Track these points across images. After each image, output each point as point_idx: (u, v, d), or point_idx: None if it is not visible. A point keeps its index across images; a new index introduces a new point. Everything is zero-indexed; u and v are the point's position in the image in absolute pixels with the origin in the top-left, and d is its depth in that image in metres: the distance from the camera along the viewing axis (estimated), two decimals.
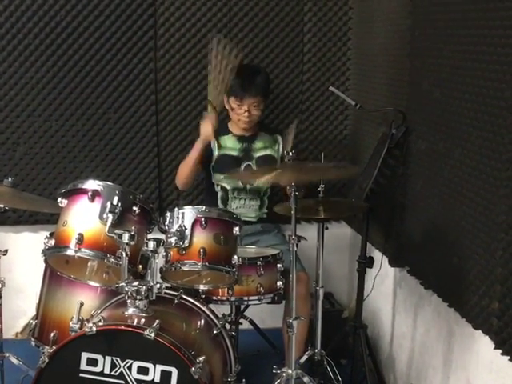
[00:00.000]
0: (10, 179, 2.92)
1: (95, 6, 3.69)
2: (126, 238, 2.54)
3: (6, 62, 3.69)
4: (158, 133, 3.90)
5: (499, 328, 2.33)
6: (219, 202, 3.59)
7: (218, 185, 3.60)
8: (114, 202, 2.66)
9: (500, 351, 2.32)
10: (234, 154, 3.58)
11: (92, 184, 2.73)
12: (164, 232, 2.84)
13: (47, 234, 2.86)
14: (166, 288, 2.69)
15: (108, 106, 3.83)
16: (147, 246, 2.59)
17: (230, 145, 3.59)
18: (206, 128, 3.40)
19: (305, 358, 3.09)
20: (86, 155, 3.86)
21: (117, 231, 2.57)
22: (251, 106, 3.48)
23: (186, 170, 3.55)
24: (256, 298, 3.05)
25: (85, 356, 2.43)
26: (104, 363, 2.44)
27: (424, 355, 3.09)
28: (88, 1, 3.68)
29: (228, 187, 3.58)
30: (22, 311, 3.85)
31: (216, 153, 3.59)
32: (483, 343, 2.46)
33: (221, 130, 3.63)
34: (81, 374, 2.45)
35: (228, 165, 3.56)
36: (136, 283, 2.53)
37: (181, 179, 3.61)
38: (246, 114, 3.48)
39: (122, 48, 3.77)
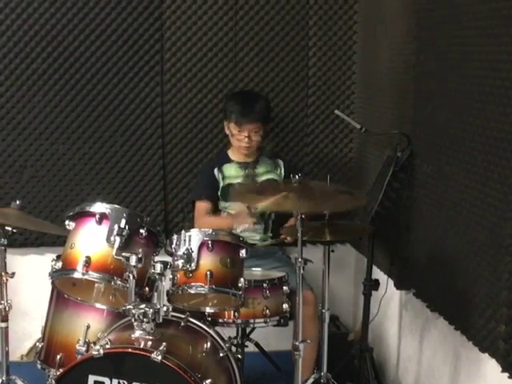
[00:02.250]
0: (17, 202, 2.94)
1: (102, 31, 3.73)
2: (133, 260, 2.56)
3: (14, 86, 3.73)
4: (163, 155, 3.92)
5: (506, 351, 2.32)
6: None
7: (224, 211, 3.63)
8: (122, 225, 2.68)
9: (507, 374, 2.32)
10: (239, 181, 3.61)
11: (99, 207, 2.75)
12: (171, 255, 2.85)
13: (53, 256, 2.88)
14: (173, 311, 2.69)
15: (114, 129, 3.86)
16: (154, 269, 2.60)
17: (234, 173, 3.63)
18: (244, 224, 3.44)
19: (311, 380, 3.08)
20: (92, 178, 3.88)
21: (124, 254, 2.59)
22: (251, 132, 3.51)
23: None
24: (262, 320, 3.05)
25: (92, 379, 2.43)
26: None
27: (430, 378, 3.08)
28: (95, 26, 3.73)
29: (233, 213, 3.59)
30: (28, 334, 3.85)
31: (221, 183, 3.62)
32: (490, 366, 2.46)
33: (222, 160, 3.67)
34: None
35: (232, 192, 3.56)
36: (143, 306, 2.53)
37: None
38: (247, 139, 3.52)
39: (129, 72, 3.80)
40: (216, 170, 3.63)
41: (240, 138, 3.53)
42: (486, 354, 2.47)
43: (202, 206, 3.64)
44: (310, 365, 3.23)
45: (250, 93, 3.83)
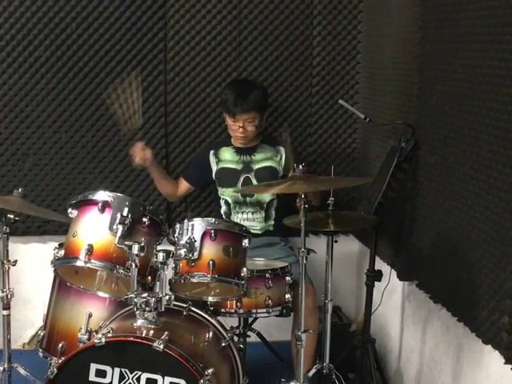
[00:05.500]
0: (20, 190, 2.93)
1: (106, 18, 3.71)
2: (135, 249, 2.55)
3: (16, 74, 3.71)
4: (166, 145, 3.91)
5: (509, 343, 2.31)
6: (223, 217, 3.60)
7: (222, 198, 3.63)
8: (124, 214, 2.68)
9: (510, 366, 2.31)
10: (233, 166, 3.61)
11: (102, 195, 2.75)
12: (173, 244, 2.85)
13: (56, 244, 2.89)
14: (175, 300, 2.69)
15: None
16: (157, 258, 2.59)
17: (229, 157, 3.63)
18: (142, 155, 3.54)
19: (313, 371, 3.07)
20: (95, 166, 3.87)
21: (126, 242, 2.59)
22: (245, 122, 3.50)
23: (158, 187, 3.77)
24: (264, 310, 3.05)
25: (94, 367, 2.44)
26: (113, 375, 2.44)
27: (433, 370, 3.08)
28: (98, 14, 3.71)
29: (230, 201, 3.60)
30: (30, 322, 3.86)
31: (215, 167, 3.64)
32: (493, 358, 2.45)
33: (223, 142, 3.70)
34: None
35: (227, 178, 3.61)
36: (145, 295, 2.54)
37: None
38: (241, 129, 3.51)
39: (133, 60, 3.78)
40: (212, 153, 3.66)
41: (234, 129, 3.53)
42: (489, 346, 2.46)
43: (180, 181, 3.78)
44: (310, 356, 3.23)
45: (244, 82, 3.77)
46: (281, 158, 3.63)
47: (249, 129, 3.51)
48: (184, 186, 3.77)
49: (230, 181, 3.59)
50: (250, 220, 3.56)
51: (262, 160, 3.62)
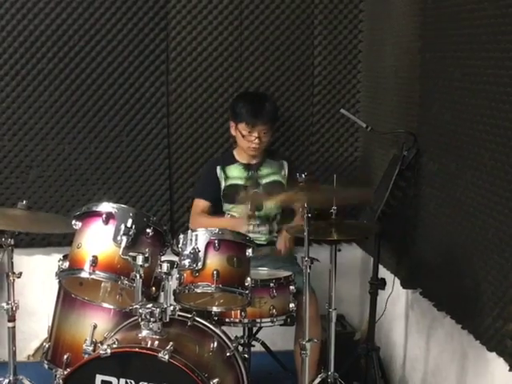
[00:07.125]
0: (24, 202, 2.94)
1: (108, 30, 3.74)
2: (140, 260, 2.55)
3: (20, 86, 3.73)
4: (169, 155, 3.92)
5: None
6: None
7: (228, 213, 3.63)
8: (128, 225, 2.68)
9: None
10: (241, 182, 3.61)
11: (106, 206, 2.75)
12: (177, 254, 2.85)
13: (60, 256, 2.89)
14: (179, 310, 2.69)
15: (120, 129, 3.86)
16: (161, 268, 2.59)
17: (237, 174, 3.62)
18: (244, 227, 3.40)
19: (318, 380, 3.07)
20: (98, 178, 3.89)
21: (131, 253, 2.58)
22: (261, 133, 3.51)
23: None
24: (269, 320, 3.05)
25: (99, 378, 2.43)
26: None
27: (437, 377, 3.08)
28: (101, 26, 3.73)
29: (237, 215, 3.60)
30: (35, 334, 3.86)
31: (224, 183, 3.62)
32: (498, 365, 2.45)
33: (226, 160, 3.68)
34: None
35: (236, 194, 3.58)
36: (150, 305, 2.53)
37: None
38: (257, 140, 3.51)
39: (135, 72, 3.81)
40: (219, 169, 3.63)
41: (250, 139, 3.52)
42: (494, 353, 2.46)
43: (199, 203, 3.65)
44: (314, 365, 3.22)
45: (258, 94, 3.83)
46: (284, 173, 3.65)
47: (263, 140, 3.53)
48: (205, 207, 3.62)
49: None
50: (255, 233, 3.55)
51: (269, 175, 3.63)
